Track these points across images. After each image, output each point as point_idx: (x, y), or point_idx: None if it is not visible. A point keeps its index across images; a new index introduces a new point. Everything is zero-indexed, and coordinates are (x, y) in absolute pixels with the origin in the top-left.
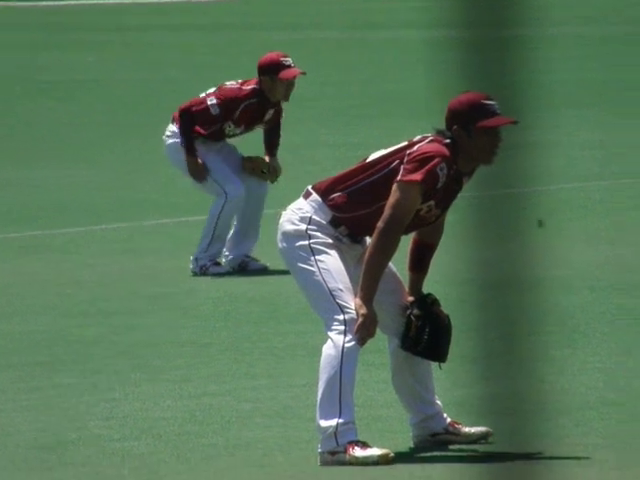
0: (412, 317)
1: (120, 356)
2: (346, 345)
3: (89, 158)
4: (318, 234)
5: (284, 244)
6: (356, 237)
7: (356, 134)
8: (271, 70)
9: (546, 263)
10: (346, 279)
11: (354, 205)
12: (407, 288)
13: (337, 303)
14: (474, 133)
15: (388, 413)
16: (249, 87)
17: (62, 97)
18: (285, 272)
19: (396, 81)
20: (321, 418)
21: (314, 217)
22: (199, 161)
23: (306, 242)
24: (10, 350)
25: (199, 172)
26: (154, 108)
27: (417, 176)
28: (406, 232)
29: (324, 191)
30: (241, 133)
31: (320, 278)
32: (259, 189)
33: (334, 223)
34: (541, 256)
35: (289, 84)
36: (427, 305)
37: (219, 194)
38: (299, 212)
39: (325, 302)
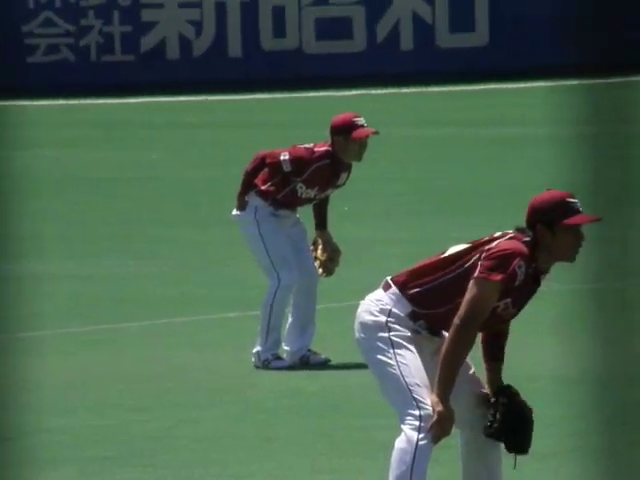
0: (499, 404)
1: (183, 450)
2: (420, 442)
3: (152, 253)
4: (397, 327)
5: (362, 334)
6: (435, 330)
7: (423, 230)
8: (345, 130)
9: (616, 359)
10: (424, 375)
11: (434, 302)
12: (485, 381)
13: (413, 398)
14: (558, 231)
15: None
16: (322, 149)
17: (127, 194)
18: (347, 366)
19: (459, 177)
20: None
21: (394, 310)
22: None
23: (386, 334)
24: (72, 445)
25: (242, 206)
26: (217, 205)
27: (496, 276)
28: (482, 329)
29: (402, 284)
30: (315, 197)
31: (398, 371)
32: (310, 278)
33: (413, 317)
34: (611, 352)
35: (362, 144)
36: (512, 394)
37: (271, 276)
38: (379, 304)
39: (401, 396)
